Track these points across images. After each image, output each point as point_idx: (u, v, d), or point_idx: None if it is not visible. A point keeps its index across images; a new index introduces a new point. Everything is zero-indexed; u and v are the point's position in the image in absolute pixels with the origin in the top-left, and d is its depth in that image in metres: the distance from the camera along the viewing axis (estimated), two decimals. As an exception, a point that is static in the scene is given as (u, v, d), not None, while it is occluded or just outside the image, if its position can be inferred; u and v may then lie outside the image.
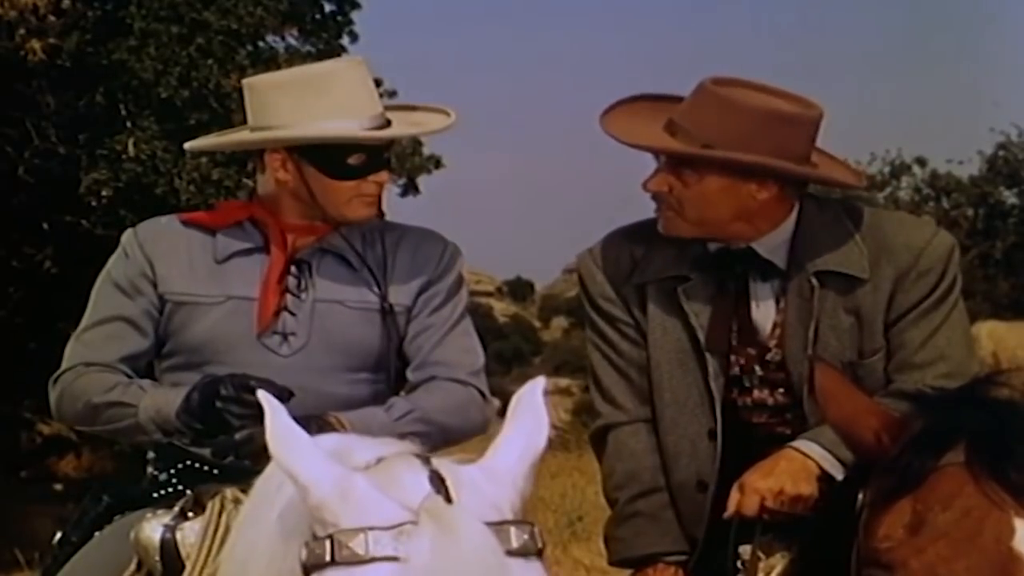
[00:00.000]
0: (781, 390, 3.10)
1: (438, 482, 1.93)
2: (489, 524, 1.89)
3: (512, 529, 1.92)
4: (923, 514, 2.16)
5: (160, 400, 3.00)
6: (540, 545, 1.95)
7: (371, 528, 1.88)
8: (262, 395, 2.05)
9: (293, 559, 1.96)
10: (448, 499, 1.90)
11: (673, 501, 3.15)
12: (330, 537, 1.90)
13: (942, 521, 2.15)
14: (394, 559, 1.86)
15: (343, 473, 1.94)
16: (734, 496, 2.94)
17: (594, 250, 3.26)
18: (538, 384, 2.08)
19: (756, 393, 3.13)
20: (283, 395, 2.83)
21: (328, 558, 1.89)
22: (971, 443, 2.20)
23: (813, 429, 2.94)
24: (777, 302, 3.08)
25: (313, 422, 2.86)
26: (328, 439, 2.13)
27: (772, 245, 3.08)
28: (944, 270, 3.05)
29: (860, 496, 2.31)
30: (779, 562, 2.87)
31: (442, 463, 1.99)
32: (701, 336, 3.08)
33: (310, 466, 1.94)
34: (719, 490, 3.07)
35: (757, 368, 3.11)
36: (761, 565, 2.81)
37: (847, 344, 3.04)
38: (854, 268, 3.03)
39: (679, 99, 3.13)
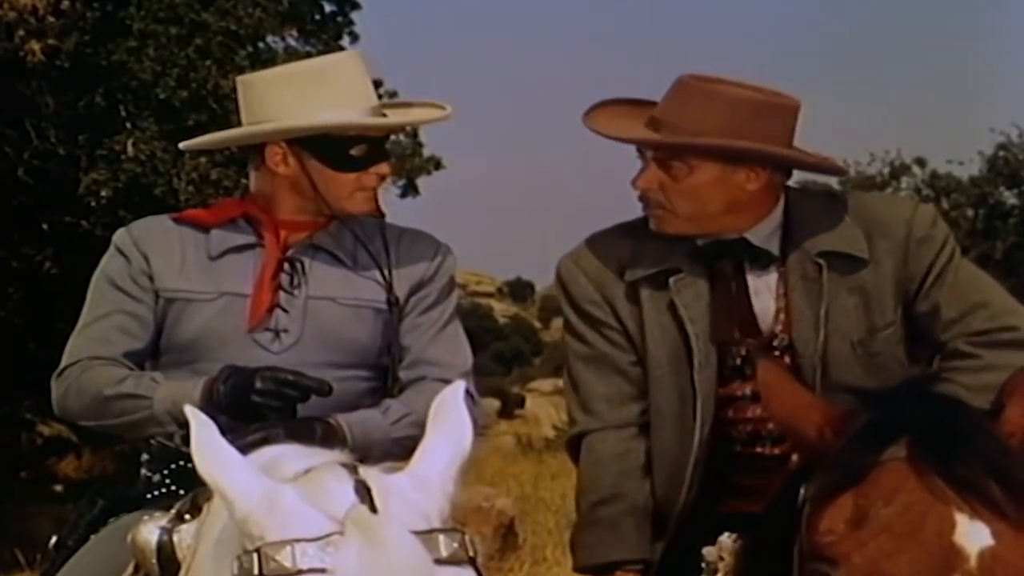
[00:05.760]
0: None
1: (363, 492, 1.92)
2: (417, 533, 1.88)
3: (441, 537, 1.92)
4: (865, 508, 2.17)
5: (176, 391, 2.97)
6: (471, 553, 1.94)
7: (297, 540, 1.87)
8: (189, 410, 2.05)
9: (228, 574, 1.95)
10: (373, 508, 1.89)
11: (667, 500, 3.12)
12: (257, 551, 1.89)
13: (884, 515, 2.16)
14: (321, 571, 1.86)
15: (269, 486, 1.94)
16: None
17: (575, 253, 3.23)
18: (458, 387, 2.09)
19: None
20: (323, 389, 2.87)
21: (256, 571, 1.88)
22: (913, 438, 2.21)
23: None
24: (777, 289, 3.09)
25: (318, 425, 2.89)
26: (262, 453, 2.13)
27: (764, 234, 3.09)
28: (945, 235, 3.11)
29: (802, 491, 2.32)
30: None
31: (369, 472, 1.99)
32: (690, 328, 3.06)
33: (235, 480, 1.94)
34: (703, 484, 3.07)
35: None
36: (721, 565, 2.79)
37: (854, 324, 3.06)
38: (855, 248, 3.06)
39: (653, 103, 3.12)
